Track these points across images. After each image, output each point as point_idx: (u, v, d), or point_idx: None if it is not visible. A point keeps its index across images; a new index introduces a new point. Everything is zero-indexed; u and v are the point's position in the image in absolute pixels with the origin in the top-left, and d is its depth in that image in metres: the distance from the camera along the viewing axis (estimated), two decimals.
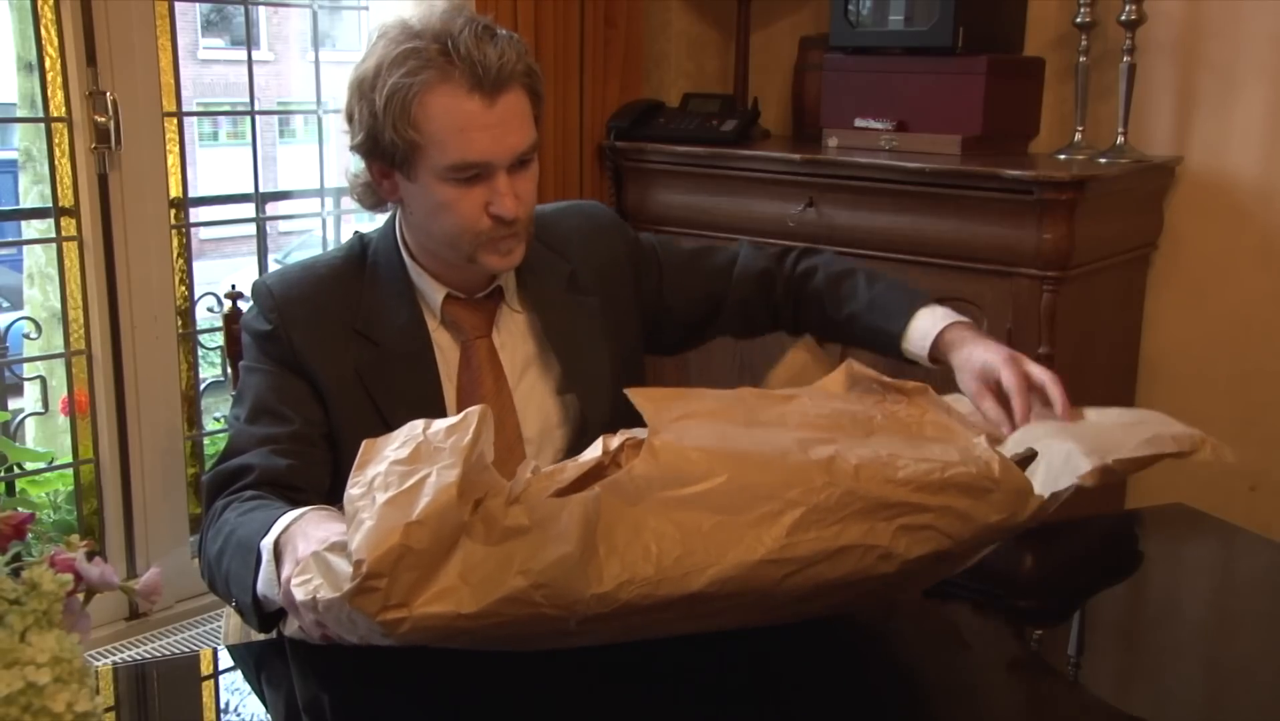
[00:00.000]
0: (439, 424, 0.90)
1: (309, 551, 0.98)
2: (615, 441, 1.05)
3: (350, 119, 1.33)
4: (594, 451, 1.08)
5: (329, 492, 1.33)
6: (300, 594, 0.92)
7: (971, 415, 1.14)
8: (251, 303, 1.41)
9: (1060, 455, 1.06)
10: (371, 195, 1.40)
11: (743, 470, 0.91)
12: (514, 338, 1.44)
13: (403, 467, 0.87)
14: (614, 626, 0.91)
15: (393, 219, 1.44)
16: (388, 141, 1.28)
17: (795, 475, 0.91)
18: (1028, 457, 1.10)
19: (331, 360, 1.35)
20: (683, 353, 1.66)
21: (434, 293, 1.40)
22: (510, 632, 0.89)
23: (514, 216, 1.31)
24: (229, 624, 1.48)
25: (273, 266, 3.02)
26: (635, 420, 1.32)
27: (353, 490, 0.88)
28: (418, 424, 0.91)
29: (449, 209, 1.31)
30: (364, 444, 0.92)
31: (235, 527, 1.17)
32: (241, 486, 1.26)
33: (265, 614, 1.12)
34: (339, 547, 0.91)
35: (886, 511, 0.93)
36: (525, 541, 0.85)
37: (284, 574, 1.02)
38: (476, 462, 0.87)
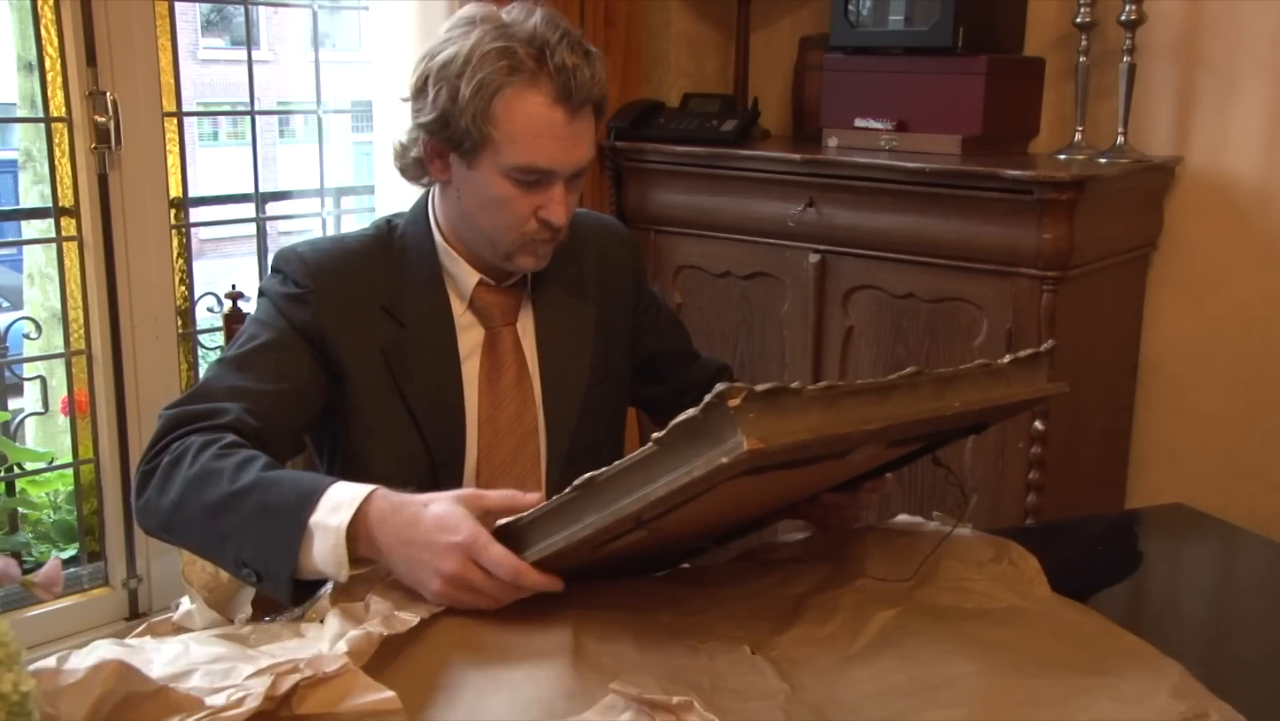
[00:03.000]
0: None
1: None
2: (286, 683, 0.85)
3: (420, 94, 1.34)
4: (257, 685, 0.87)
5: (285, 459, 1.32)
6: None
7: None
8: (274, 271, 1.39)
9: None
10: (416, 169, 1.42)
11: None
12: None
13: None
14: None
15: (422, 203, 1.46)
16: (461, 128, 1.31)
17: None
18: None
19: (358, 335, 1.36)
20: None
21: (467, 277, 1.42)
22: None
23: (561, 225, 1.35)
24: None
25: None
26: (598, 432, 1.46)
27: None
28: None
29: (503, 205, 1.34)
30: None
31: (249, 487, 1.12)
32: (214, 427, 1.21)
33: (301, 583, 1.10)
34: None
35: None
36: None
37: (431, 583, 1.04)
38: None
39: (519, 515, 1.04)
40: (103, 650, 0.89)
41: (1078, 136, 2.45)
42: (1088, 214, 2.18)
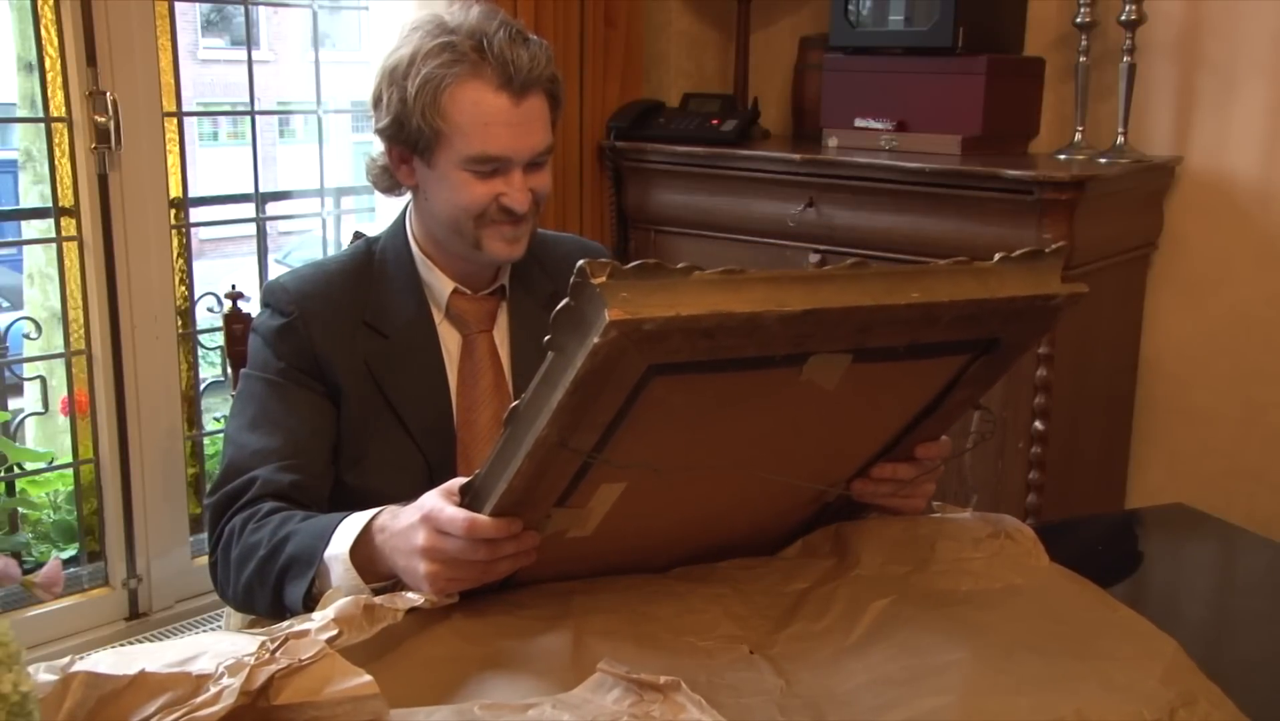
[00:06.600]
0: None
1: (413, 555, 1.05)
2: (262, 676, 0.82)
3: (377, 104, 1.39)
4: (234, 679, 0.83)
5: (328, 503, 1.35)
6: None
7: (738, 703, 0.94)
8: (263, 306, 1.44)
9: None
10: (387, 178, 1.46)
11: None
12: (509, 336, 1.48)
13: None
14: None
15: (401, 218, 1.49)
16: (414, 127, 1.35)
17: None
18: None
19: (345, 351, 1.39)
20: None
21: (441, 286, 1.45)
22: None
23: (523, 211, 1.37)
24: (229, 622, 1.48)
25: (272, 266, 3.03)
26: None
27: None
28: None
29: (464, 197, 1.37)
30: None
31: (278, 545, 1.20)
32: (250, 500, 1.29)
33: None
34: None
35: None
36: None
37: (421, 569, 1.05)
38: None
39: (475, 472, 1.03)
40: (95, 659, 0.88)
41: (1078, 136, 2.45)
42: (1088, 214, 2.18)
